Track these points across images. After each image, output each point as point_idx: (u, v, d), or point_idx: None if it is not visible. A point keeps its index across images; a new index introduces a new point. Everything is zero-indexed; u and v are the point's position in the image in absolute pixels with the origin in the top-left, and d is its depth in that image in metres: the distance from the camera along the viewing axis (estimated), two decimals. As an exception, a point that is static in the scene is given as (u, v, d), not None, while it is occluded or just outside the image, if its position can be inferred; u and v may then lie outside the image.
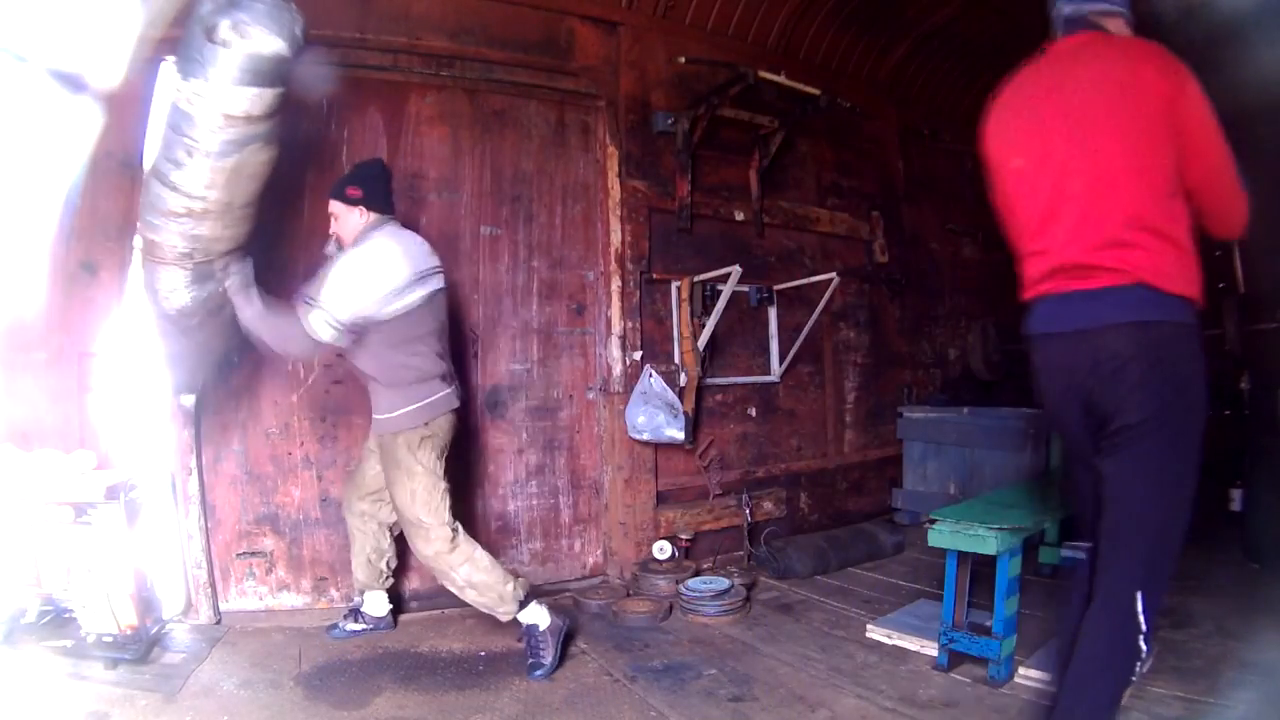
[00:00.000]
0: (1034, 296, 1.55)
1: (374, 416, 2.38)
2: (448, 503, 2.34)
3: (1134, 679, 1.50)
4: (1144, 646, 1.42)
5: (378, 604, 2.62)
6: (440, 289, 2.40)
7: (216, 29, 1.69)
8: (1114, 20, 1.59)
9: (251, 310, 2.18)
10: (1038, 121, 1.56)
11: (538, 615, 2.36)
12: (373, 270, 2.21)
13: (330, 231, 2.44)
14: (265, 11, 1.71)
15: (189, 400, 2.56)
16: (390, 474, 2.34)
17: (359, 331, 2.24)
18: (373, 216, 2.36)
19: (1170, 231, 1.42)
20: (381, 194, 2.41)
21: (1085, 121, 1.47)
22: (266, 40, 1.73)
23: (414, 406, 2.31)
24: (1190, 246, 1.45)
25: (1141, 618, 1.41)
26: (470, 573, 2.31)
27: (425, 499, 2.29)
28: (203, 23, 1.70)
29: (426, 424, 2.32)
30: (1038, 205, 1.53)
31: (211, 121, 1.80)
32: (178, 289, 2.10)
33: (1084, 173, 1.47)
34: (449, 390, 2.40)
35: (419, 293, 2.29)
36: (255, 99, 1.79)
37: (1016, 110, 1.62)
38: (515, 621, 2.38)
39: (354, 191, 2.37)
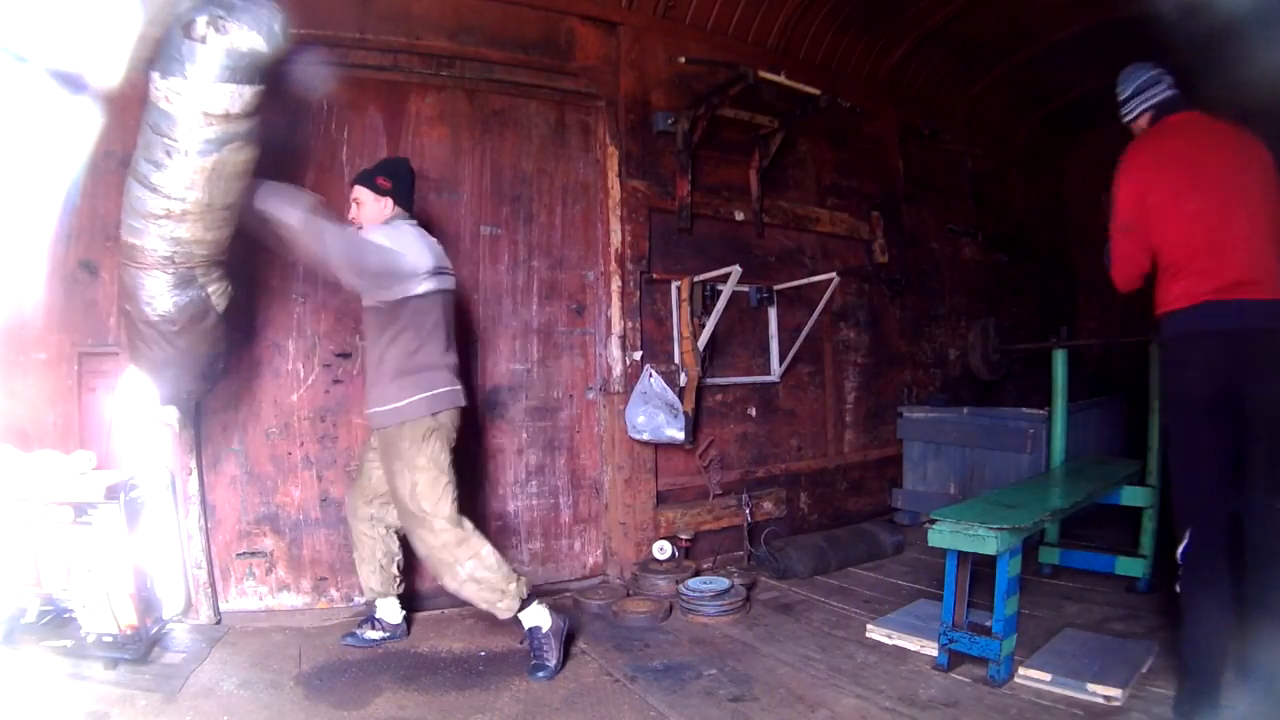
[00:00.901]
0: (1198, 303, 1.90)
1: (375, 410, 2.35)
2: (452, 496, 2.32)
3: None
4: None
5: (392, 611, 2.60)
6: (452, 290, 2.46)
7: (194, 25, 1.68)
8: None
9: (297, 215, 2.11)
10: (1200, 173, 1.97)
11: (539, 617, 2.35)
12: (403, 245, 2.28)
13: (350, 216, 2.43)
14: (243, 8, 1.70)
15: (171, 415, 2.49)
16: (391, 466, 2.32)
17: (381, 304, 2.28)
18: (397, 209, 2.42)
19: None
20: (407, 191, 2.48)
21: (1240, 182, 1.95)
22: (245, 36, 1.71)
23: (422, 395, 2.31)
24: None
25: None
26: (475, 568, 2.29)
27: (427, 491, 2.28)
28: (180, 20, 1.69)
29: (434, 415, 2.32)
30: (1206, 236, 1.91)
31: (191, 120, 1.79)
32: (160, 294, 2.08)
33: (1243, 218, 1.91)
34: (458, 386, 2.42)
35: (438, 284, 2.34)
36: (234, 96, 1.78)
37: (1178, 164, 2.01)
38: (515, 620, 2.37)
39: (384, 182, 2.41)
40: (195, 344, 2.28)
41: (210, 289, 2.18)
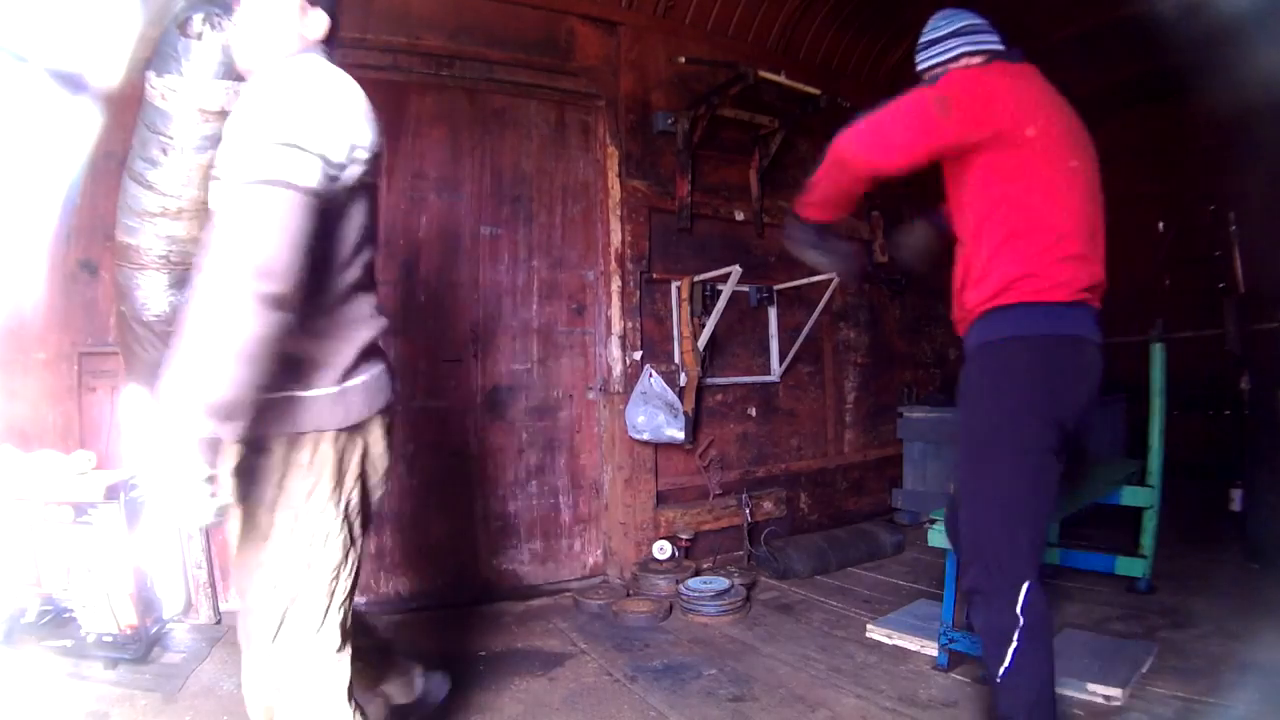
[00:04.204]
0: (1073, 300, 1.54)
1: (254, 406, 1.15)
2: (350, 587, 1.29)
3: None
4: None
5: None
6: (375, 187, 1.32)
7: (190, 23, 1.69)
8: None
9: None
10: (1076, 137, 1.61)
11: None
12: (335, 98, 1.19)
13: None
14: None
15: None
16: (258, 504, 1.25)
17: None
18: (322, 26, 1.31)
19: None
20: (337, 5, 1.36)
21: (1096, 166, 1.64)
22: None
23: (338, 389, 1.25)
24: None
25: None
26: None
27: (304, 555, 1.23)
28: (176, 18, 1.70)
29: (355, 425, 1.29)
30: (1084, 214, 1.57)
31: (187, 117, 1.80)
32: (157, 294, 2.09)
33: (1098, 204, 1.61)
34: (385, 369, 1.36)
35: (365, 173, 1.23)
36: (230, 93, 1.79)
37: (1055, 110, 1.61)
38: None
39: None
40: None
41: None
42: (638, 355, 3.30)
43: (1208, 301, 4.12)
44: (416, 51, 2.94)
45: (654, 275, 3.38)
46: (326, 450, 1.25)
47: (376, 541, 2.90)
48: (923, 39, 1.80)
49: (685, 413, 3.22)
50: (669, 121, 3.36)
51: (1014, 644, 1.47)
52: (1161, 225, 5.57)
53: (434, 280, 3.03)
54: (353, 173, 1.20)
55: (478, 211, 3.13)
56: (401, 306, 2.96)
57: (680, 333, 3.36)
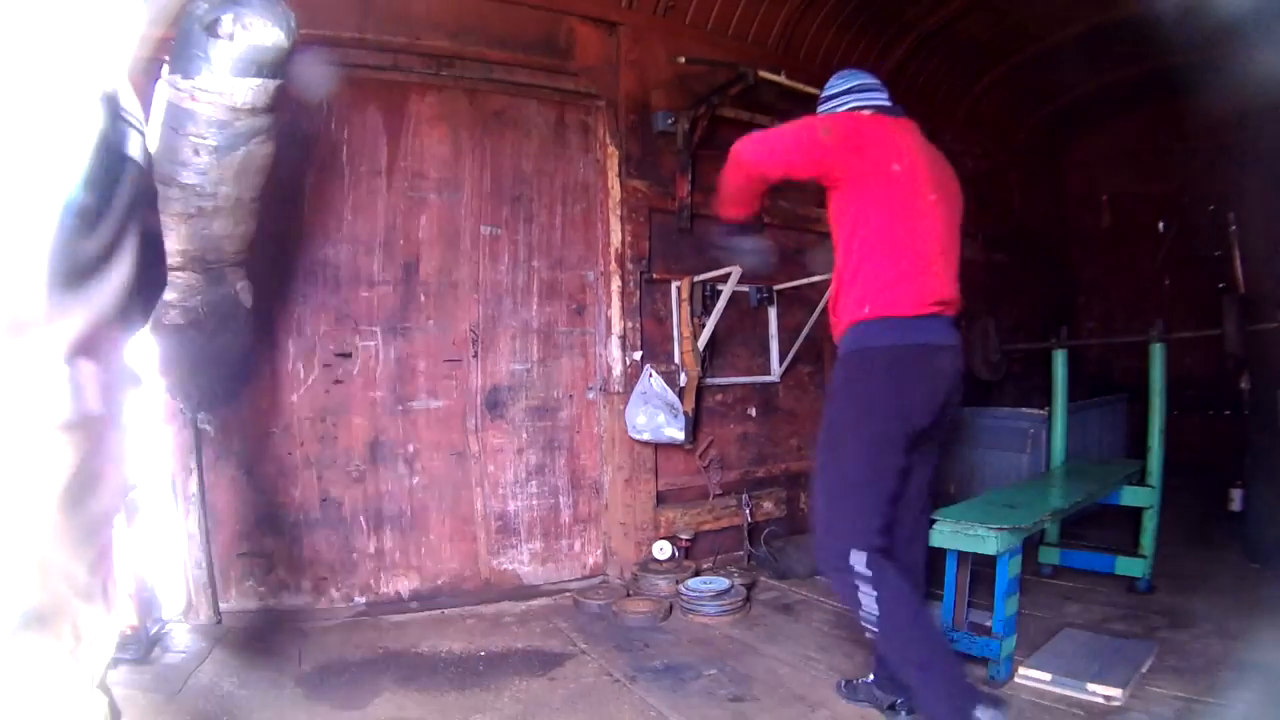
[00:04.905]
0: (925, 313, 1.83)
1: None
2: None
3: None
4: None
5: None
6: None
7: (219, 24, 1.72)
8: None
9: None
10: (938, 178, 1.91)
11: None
12: None
13: None
14: (262, 4, 1.75)
15: (205, 420, 2.49)
16: None
17: None
18: None
19: None
20: None
21: (957, 201, 1.96)
22: (267, 31, 1.76)
23: None
24: None
25: None
26: None
27: None
28: (200, 20, 1.73)
29: None
30: (937, 241, 1.85)
31: (218, 116, 1.82)
32: (189, 294, 2.11)
33: (954, 233, 1.92)
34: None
35: None
36: (259, 90, 1.82)
37: (920, 154, 1.91)
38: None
39: None
40: (229, 344, 2.31)
41: (238, 285, 2.20)
42: (638, 355, 3.30)
43: (1208, 301, 4.12)
44: (416, 51, 2.94)
45: (654, 275, 3.38)
46: None
47: (376, 541, 2.91)
48: (823, 94, 2.13)
49: (685, 413, 3.22)
50: (669, 121, 3.36)
51: (873, 601, 1.75)
52: (1161, 225, 5.57)
53: (434, 280, 3.03)
54: None
55: (478, 211, 3.13)
56: (401, 306, 2.96)
57: (680, 333, 3.36)
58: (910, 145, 1.90)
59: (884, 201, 1.82)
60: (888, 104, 2.03)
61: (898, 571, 1.77)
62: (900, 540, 1.93)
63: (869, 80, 2.08)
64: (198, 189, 1.92)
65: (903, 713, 1.97)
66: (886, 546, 1.80)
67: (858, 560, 1.76)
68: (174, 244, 2.02)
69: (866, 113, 1.97)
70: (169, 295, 2.11)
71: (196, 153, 1.87)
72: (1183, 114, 5.04)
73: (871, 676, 2.08)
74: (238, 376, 2.47)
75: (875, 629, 1.79)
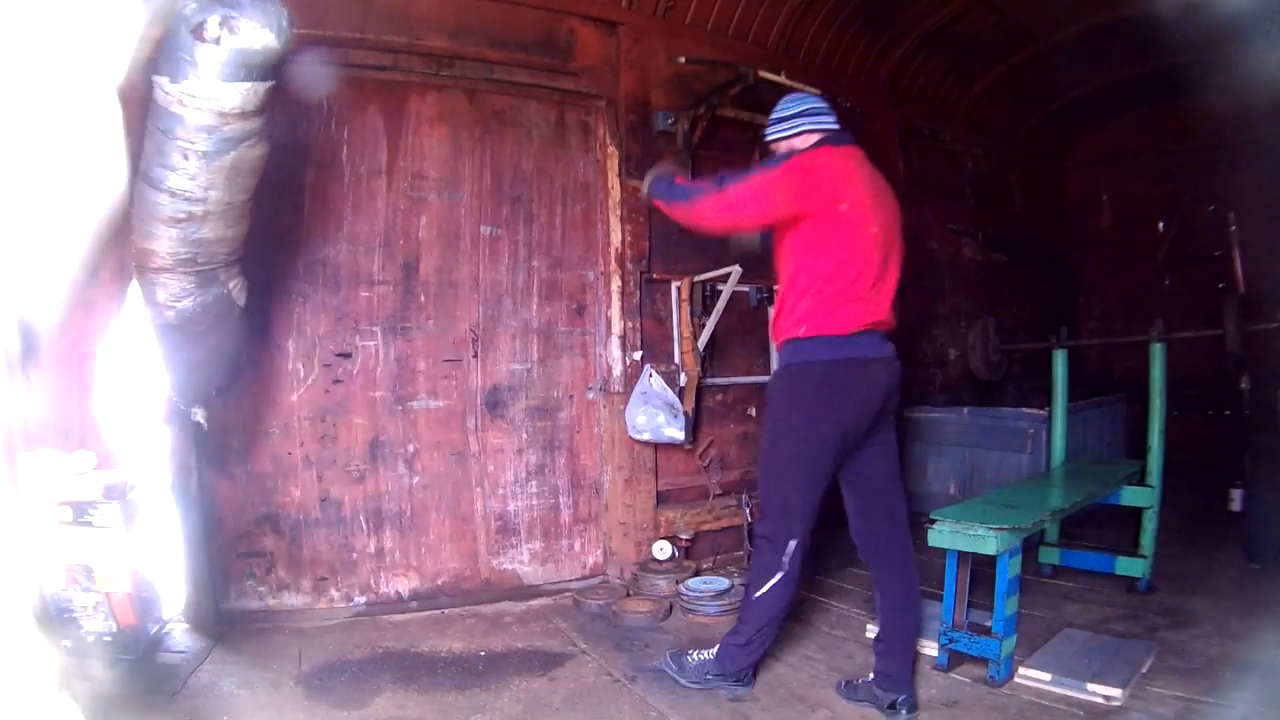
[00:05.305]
0: (858, 331, 2.02)
1: None
2: None
3: None
4: None
5: None
6: None
7: (205, 26, 1.69)
8: None
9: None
10: (881, 210, 2.05)
11: None
12: None
13: None
14: (252, 5, 1.72)
15: (200, 414, 2.50)
16: None
17: None
18: None
19: None
20: None
21: (896, 228, 2.10)
22: (256, 34, 1.73)
23: None
24: None
25: None
26: None
27: None
28: (188, 22, 1.70)
29: None
30: (874, 269, 2.01)
31: (206, 120, 1.79)
32: (182, 296, 2.09)
33: (892, 259, 2.08)
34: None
35: None
36: (249, 94, 1.79)
37: (867, 187, 2.05)
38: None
39: None
40: (223, 342, 2.31)
41: (231, 285, 2.19)
42: (638, 355, 3.30)
43: (1208, 301, 4.12)
44: (416, 51, 2.94)
45: (654, 275, 3.38)
46: None
47: (376, 541, 2.91)
48: (773, 116, 2.26)
49: (685, 413, 3.22)
50: (669, 121, 3.36)
51: (774, 580, 2.06)
52: (1161, 225, 5.57)
53: (434, 280, 3.03)
54: None
55: (478, 211, 3.13)
56: (401, 306, 2.96)
57: (680, 333, 3.36)
58: (857, 180, 2.04)
59: (829, 238, 1.98)
60: (835, 128, 2.18)
61: (800, 566, 2.08)
62: (881, 540, 2.12)
63: (818, 104, 2.23)
64: (186, 194, 1.89)
65: (903, 711, 1.99)
66: (810, 537, 2.09)
67: (790, 548, 2.05)
68: (164, 247, 2.00)
69: (813, 139, 2.13)
70: (161, 296, 2.10)
71: (185, 157, 1.84)
72: (1183, 114, 5.04)
73: (872, 675, 2.09)
74: (233, 372, 2.47)
75: (754, 594, 2.10)
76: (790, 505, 2.07)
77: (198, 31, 1.69)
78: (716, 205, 2.06)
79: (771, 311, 2.21)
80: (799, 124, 2.19)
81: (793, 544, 2.05)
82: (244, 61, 1.74)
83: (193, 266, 2.05)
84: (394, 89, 2.95)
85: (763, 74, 3.34)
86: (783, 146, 2.21)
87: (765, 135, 2.28)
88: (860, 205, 1.99)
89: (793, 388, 2.09)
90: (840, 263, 1.98)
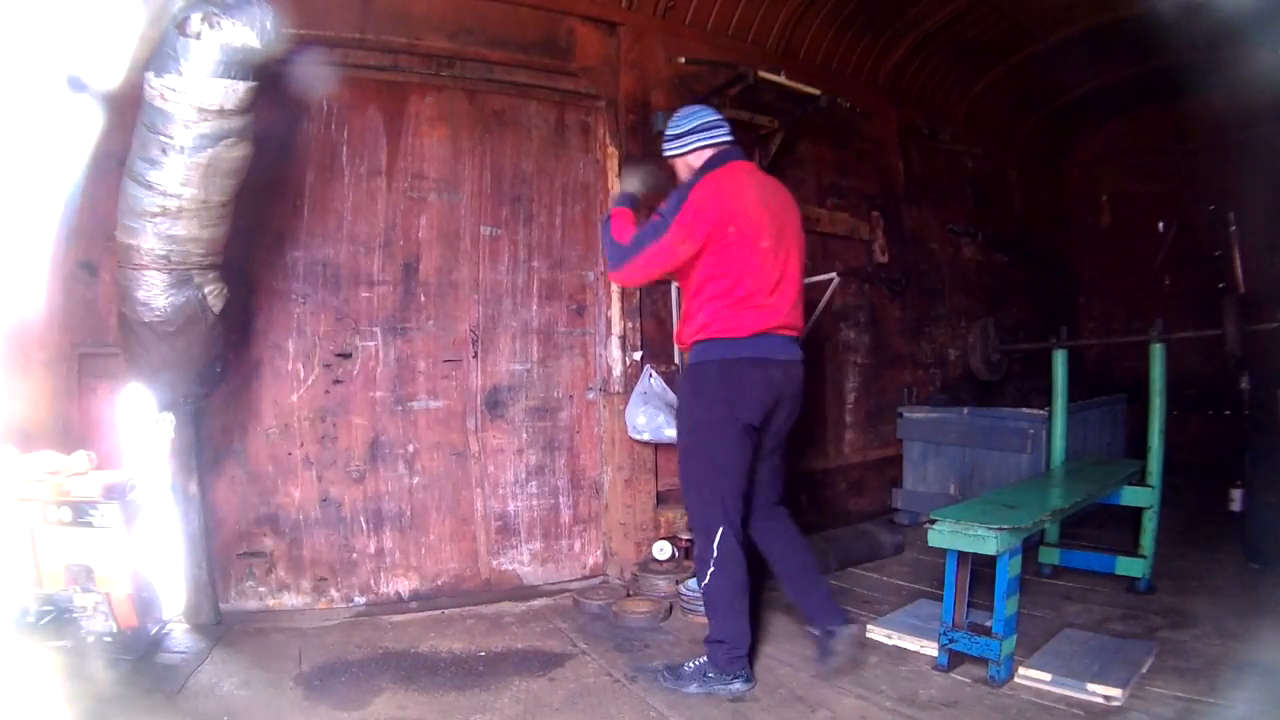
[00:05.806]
0: (761, 332, 2.18)
1: None
2: None
3: None
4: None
5: None
6: None
7: (188, 22, 1.70)
8: None
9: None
10: (773, 220, 2.21)
11: None
12: None
13: None
14: (236, 5, 1.73)
15: (167, 420, 2.46)
16: None
17: None
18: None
19: None
20: None
21: (791, 233, 2.28)
22: (238, 32, 1.74)
23: None
24: None
25: None
26: None
27: None
28: (174, 18, 1.71)
29: None
30: (768, 278, 2.18)
31: (186, 116, 1.81)
32: (156, 295, 2.09)
33: (790, 267, 2.25)
34: None
35: None
36: (229, 91, 1.80)
37: (756, 202, 2.19)
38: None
39: None
40: (191, 346, 2.28)
41: (206, 290, 2.18)
42: (638, 355, 3.30)
43: (1208, 301, 4.12)
44: (416, 51, 2.94)
45: (654, 275, 3.38)
46: None
47: (376, 541, 2.91)
48: (667, 133, 2.37)
49: (685, 413, 3.22)
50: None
51: (710, 569, 2.18)
52: (1161, 225, 5.57)
53: (434, 280, 3.03)
54: None
55: (478, 212, 3.13)
56: (401, 307, 2.96)
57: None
58: (747, 198, 2.18)
59: (722, 257, 2.15)
60: (728, 141, 2.31)
61: (738, 545, 2.20)
62: (767, 535, 2.37)
63: (711, 118, 2.33)
64: (162, 188, 1.90)
65: (842, 632, 2.24)
66: (739, 522, 2.23)
67: (719, 535, 2.17)
68: (144, 243, 2.00)
69: (707, 154, 2.27)
70: (138, 293, 2.09)
71: (164, 151, 1.85)
72: (1183, 114, 5.05)
73: (810, 629, 2.34)
74: (203, 380, 2.43)
75: (701, 588, 2.24)
76: (706, 496, 2.21)
77: (181, 26, 1.71)
78: (631, 269, 2.24)
79: (678, 320, 2.40)
80: (691, 141, 2.31)
81: (719, 530, 2.16)
82: (225, 58, 1.76)
83: (167, 265, 2.05)
84: (394, 89, 2.96)
85: (763, 74, 3.33)
86: (679, 164, 2.35)
87: (662, 152, 2.41)
88: (748, 224, 2.15)
89: (695, 385, 2.24)
90: (735, 278, 2.15)
